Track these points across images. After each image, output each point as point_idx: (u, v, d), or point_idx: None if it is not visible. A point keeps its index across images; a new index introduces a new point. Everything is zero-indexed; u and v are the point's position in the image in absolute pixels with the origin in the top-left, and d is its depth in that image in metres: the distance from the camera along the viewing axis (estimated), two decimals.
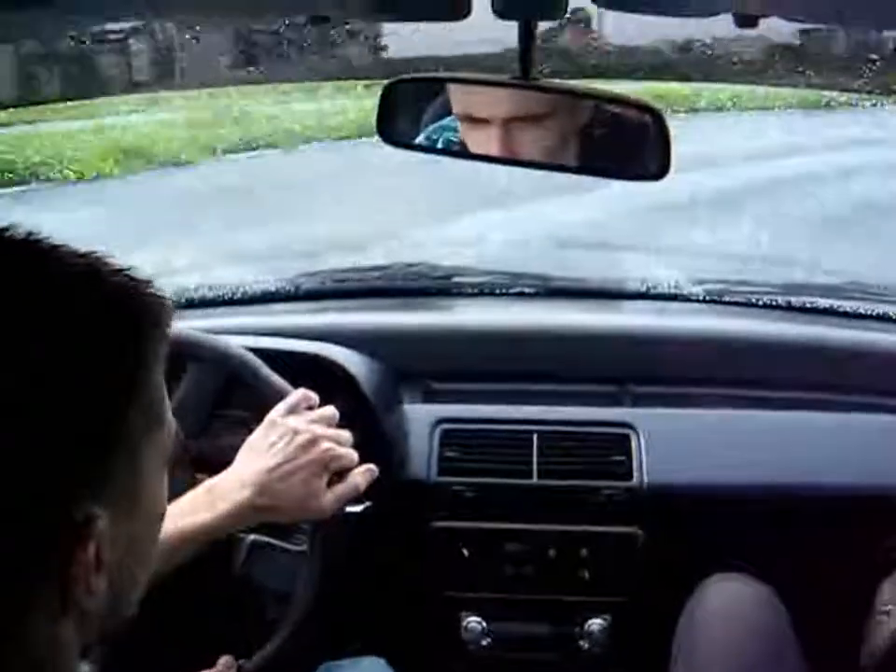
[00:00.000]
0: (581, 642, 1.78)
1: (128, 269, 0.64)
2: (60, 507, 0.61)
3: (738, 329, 1.99)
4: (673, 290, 2.16)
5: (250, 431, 1.70)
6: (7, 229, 0.62)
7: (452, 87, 1.32)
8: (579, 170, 1.31)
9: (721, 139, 7.60)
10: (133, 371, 0.63)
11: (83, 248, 0.64)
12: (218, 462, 1.44)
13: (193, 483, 1.32)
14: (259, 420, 1.39)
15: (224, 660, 1.26)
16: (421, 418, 1.81)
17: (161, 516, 0.72)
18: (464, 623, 1.79)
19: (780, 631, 1.50)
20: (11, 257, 0.61)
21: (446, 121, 1.33)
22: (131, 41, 5.33)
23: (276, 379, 1.44)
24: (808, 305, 2.07)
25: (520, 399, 1.86)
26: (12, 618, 0.61)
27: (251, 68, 5.53)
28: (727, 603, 1.57)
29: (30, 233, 0.62)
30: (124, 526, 0.65)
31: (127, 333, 0.63)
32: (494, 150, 1.27)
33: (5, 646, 0.61)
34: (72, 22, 0.88)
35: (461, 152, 1.31)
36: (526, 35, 1.17)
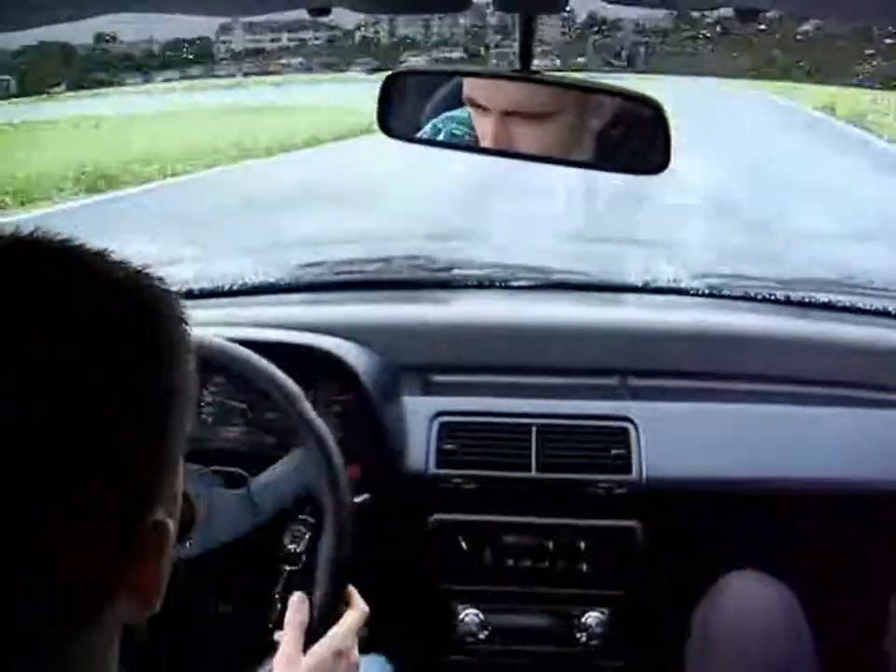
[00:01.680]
0: (579, 635, 1.79)
1: (159, 278, 0.64)
2: (138, 515, 0.60)
3: (738, 324, 1.99)
4: (673, 284, 2.16)
5: (248, 423, 1.71)
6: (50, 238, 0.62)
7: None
8: (579, 164, 1.31)
9: None
10: (173, 368, 0.62)
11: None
12: (215, 452, 1.45)
13: None
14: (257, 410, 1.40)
15: (297, 596, 1.28)
16: (420, 411, 1.81)
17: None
18: (461, 616, 1.79)
19: (798, 628, 1.50)
20: (62, 262, 0.61)
21: (456, 112, 1.33)
22: None
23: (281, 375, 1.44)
24: (807, 300, 2.07)
25: (519, 392, 1.86)
26: (87, 627, 0.60)
27: None
28: (745, 601, 1.57)
29: (66, 239, 0.62)
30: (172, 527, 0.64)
31: (168, 335, 0.63)
32: (489, 140, 1.28)
33: (72, 650, 0.60)
34: (65, 14, 0.88)
35: (459, 145, 1.31)
36: (526, 27, 1.17)
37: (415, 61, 16.43)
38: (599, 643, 1.78)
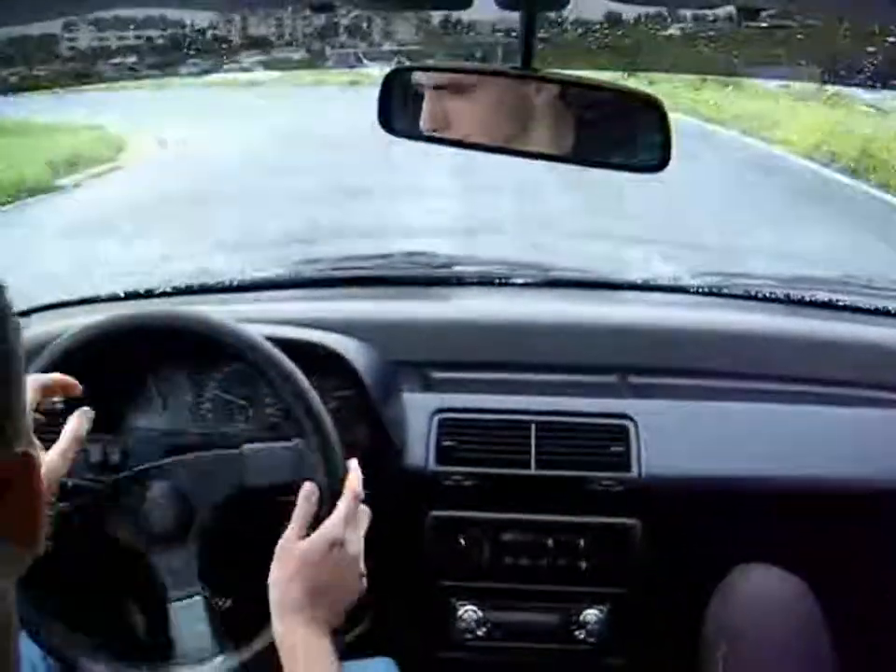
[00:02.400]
0: (578, 632, 1.79)
1: None
2: (6, 444, 0.62)
3: (738, 322, 2.00)
4: (673, 282, 2.16)
5: (248, 420, 1.72)
6: None
7: None
8: (579, 161, 1.31)
9: None
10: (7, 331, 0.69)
11: None
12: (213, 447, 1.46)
13: None
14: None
15: (307, 486, 1.31)
16: (420, 407, 1.81)
17: None
18: (460, 612, 1.80)
19: (816, 619, 1.52)
20: None
21: None
22: None
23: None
24: (808, 298, 2.07)
25: (519, 389, 1.86)
26: None
27: None
28: (763, 593, 1.58)
29: None
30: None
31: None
32: (427, 120, 1.29)
33: None
34: (61, 9, 0.88)
35: (461, 141, 1.31)
36: (528, 25, 1.17)
37: (252, 62, 15.91)
38: (598, 640, 1.79)
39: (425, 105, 1.30)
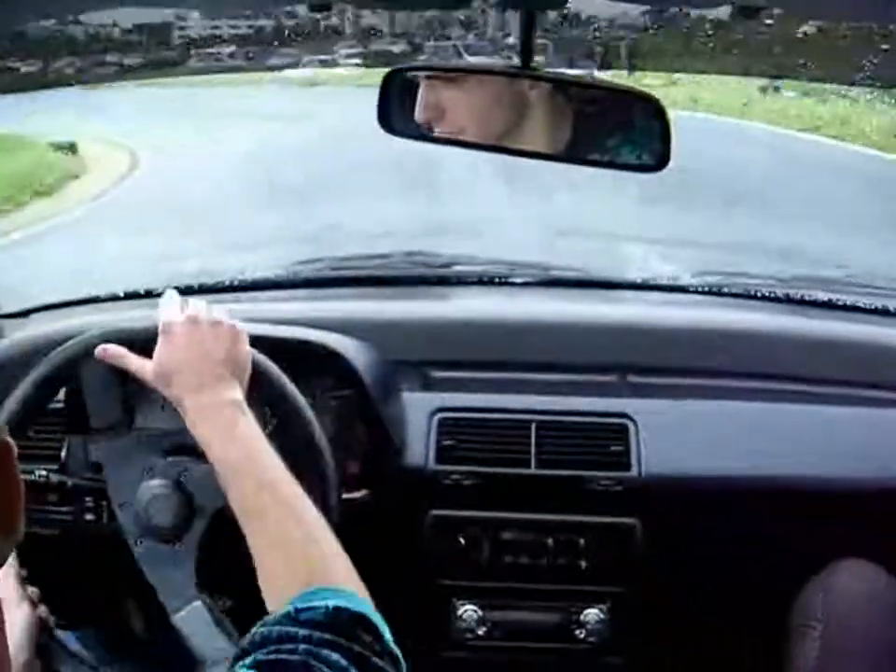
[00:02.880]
0: (578, 632, 1.79)
1: None
2: None
3: (737, 321, 2.00)
4: (672, 281, 2.16)
5: None
6: None
7: None
8: (579, 160, 1.31)
9: None
10: None
11: None
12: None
13: None
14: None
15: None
16: (419, 407, 1.81)
17: None
18: (460, 612, 1.80)
19: None
20: None
21: None
22: None
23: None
24: (808, 298, 2.07)
25: (518, 389, 1.86)
26: None
27: None
28: (856, 587, 1.58)
29: None
30: None
31: None
32: (422, 110, 1.30)
33: None
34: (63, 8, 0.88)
35: (460, 141, 1.31)
36: (527, 24, 1.17)
37: (347, 53, 15.59)
38: (598, 640, 1.79)
39: (419, 96, 1.30)
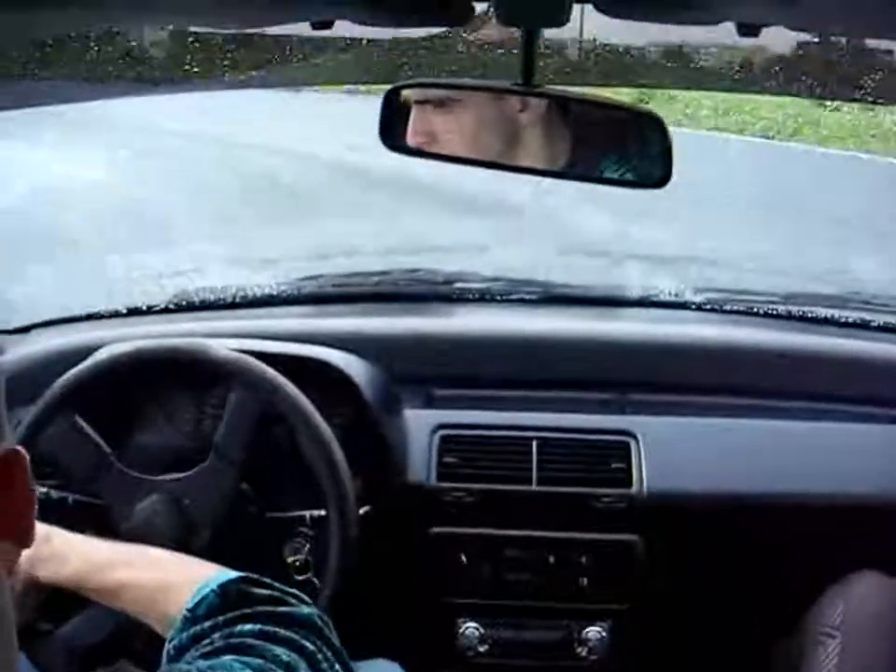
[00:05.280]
0: (579, 649, 1.78)
1: None
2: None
3: (739, 338, 1.99)
4: (674, 298, 2.17)
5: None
6: None
7: None
8: (579, 176, 1.31)
9: None
10: None
11: None
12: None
13: None
14: None
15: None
16: (421, 424, 1.81)
17: None
18: (461, 629, 1.79)
19: None
20: None
21: None
22: None
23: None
24: (809, 314, 2.07)
25: (520, 406, 1.86)
26: None
27: None
28: (871, 601, 1.58)
29: None
30: None
31: None
32: (413, 134, 1.31)
33: None
34: (64, 24, 0.89)
35: (460, 157, 1.32)
36: (528, 41, 1.17)
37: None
38: (599, 657, 1.78)
39: (410, 121, 1.31)
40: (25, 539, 0.63)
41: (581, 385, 1.90)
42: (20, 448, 0.62)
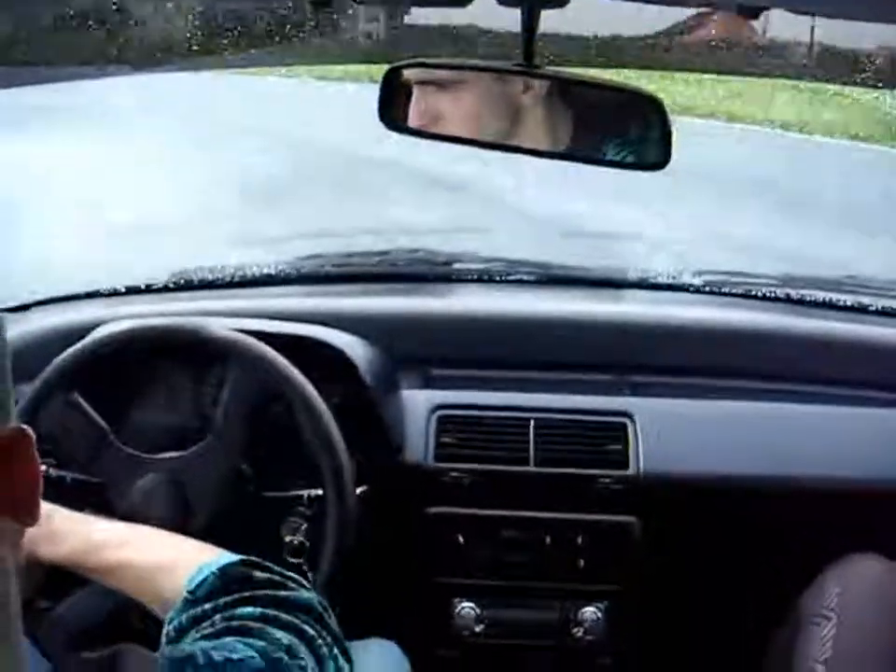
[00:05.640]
0: (575, 630, 1.79)
1: None
2: (6, 418, 0.62)
3: (737, 320, 2.00)
4: (672, 280, 2.16)
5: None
6: None
7: None
8: (579, 158, 1.31)
9: None
10: None
11: None
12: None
13: None
14: None
15: None
16: (419, 404, 1.81)
17: None
18: (457, 609, 1.80)
19: None
20: None
21: None
22: None
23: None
24: (807, 298, 2.07)
25: (518, 387, 1.86)
26: None
27: None
28: (866, 581, 1.58)
29: None
30: None
31: None
32: (416, 116, 1.30)
33: None
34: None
35: (459, 137, 1.31)
36: (530, 21, 1.17)
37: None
38: (596, 638, 1.79)
39: (412, 102, 1.30)
40: (30, 518, 0.63)
41: (579, 367, 1.90)
42: (25, 427, 0.62)
